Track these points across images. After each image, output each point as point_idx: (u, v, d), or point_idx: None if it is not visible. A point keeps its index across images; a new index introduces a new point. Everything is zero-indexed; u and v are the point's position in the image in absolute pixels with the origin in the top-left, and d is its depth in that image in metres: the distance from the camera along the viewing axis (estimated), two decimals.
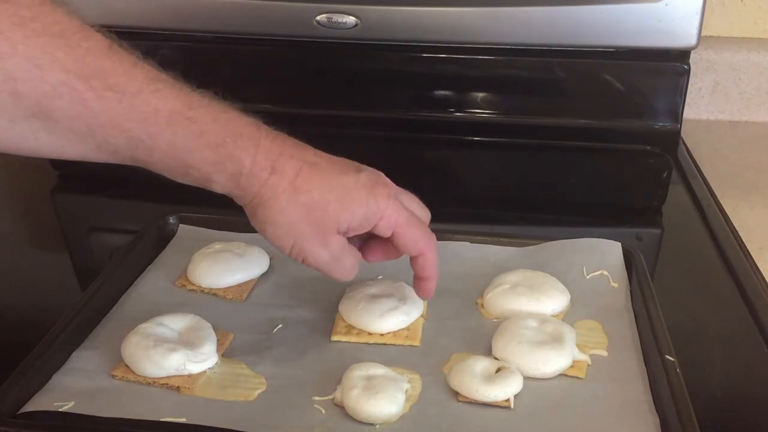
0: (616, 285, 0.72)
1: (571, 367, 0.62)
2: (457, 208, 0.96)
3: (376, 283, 0.70)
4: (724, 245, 0.83)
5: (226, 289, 0.72)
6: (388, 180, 0.63)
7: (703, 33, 1.02)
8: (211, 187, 0.59)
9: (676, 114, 1.09)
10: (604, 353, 0.64)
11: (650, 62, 1.07)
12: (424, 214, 0.65)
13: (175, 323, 0.65)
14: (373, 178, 0.61)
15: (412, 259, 0.64)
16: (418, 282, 0.65)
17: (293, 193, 0.58)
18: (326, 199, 0.59)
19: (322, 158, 0.60)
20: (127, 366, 0.61)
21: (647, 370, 0.62)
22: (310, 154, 0.60)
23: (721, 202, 0.92)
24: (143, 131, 0.54)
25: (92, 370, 0.62)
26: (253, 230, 0.61)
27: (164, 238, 0.79)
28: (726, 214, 0.89)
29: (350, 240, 0.62)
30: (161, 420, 0.56)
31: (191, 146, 0.56)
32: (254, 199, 0.58)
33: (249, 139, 0.57)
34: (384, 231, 0.61)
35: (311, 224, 0.59)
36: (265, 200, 0.58)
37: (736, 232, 0.85)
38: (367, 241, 0.65)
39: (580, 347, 0.64)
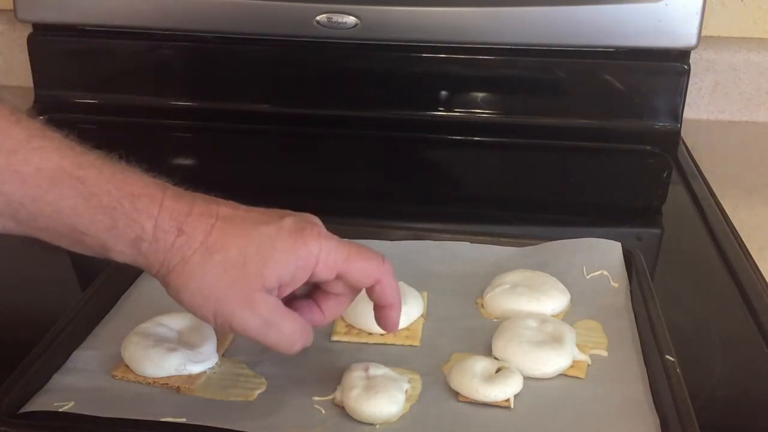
0: (616, 285, 0.72)
1: (571, 367, 0.62)
2: (457, 208, 0.96)
3: None
4: (724, 245, 0.83)
5: None
6: (317, 220, 0.56)
7: (703, 33, 1.03)
8: (109, 256, 0.52)
9: (676, 114, 1.09)
10: (604, 353, 0.64)
11: (650, 62, 1.07)
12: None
13: (175, 323, 0.64)
14: (299, 221, 0.54)
15: (369, 290, 0.57)
16: (379, 312, 0.58)
17: (206, 254, 0.51)
18: (245, 254, 0.52)
19: (239, 210, 0.54)
20: (127, 366, 0.61)
21: (647, 370, 0.62)
22: (225, 208, 0.53)
23: (721, 202, 0.92)
24: (23, 194, 0.49)
25: (92, 370, 0.62)
26: None
27: None
28: (726, 214, 0.89)
29: (297, 302, 0.57)
30: (161, 420, 0.56)
31: (80, 210, 0.50)
32: (162, 267, 0.52)
33: (150, 201, 0.51)
34: (326, 275, 0.54)
35: (232, 285, 0.52)
36: (174, 266, 0.52)
37: (736, 232, 0.85)
38: (318, 299, 0.58)
39: (580, 347, 0.64)
